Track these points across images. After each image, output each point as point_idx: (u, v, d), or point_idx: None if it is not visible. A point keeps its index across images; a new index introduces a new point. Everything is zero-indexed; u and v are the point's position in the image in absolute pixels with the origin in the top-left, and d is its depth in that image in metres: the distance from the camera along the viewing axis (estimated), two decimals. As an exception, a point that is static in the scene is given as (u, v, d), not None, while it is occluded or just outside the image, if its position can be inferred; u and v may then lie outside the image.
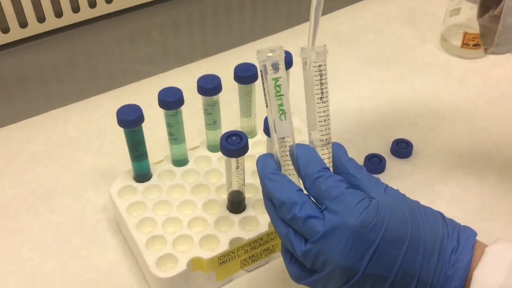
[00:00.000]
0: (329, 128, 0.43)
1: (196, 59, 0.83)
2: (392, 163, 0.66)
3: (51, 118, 0.73)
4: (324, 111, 0.42)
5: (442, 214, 0.42)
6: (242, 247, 0.53)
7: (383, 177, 0.64)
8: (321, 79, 0.42)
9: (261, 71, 0.40)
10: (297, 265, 0.42)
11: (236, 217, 0.54)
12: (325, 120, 0.42)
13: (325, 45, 0.41)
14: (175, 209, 0.56)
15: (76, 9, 0.86)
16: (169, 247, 0.52)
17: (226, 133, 0.50)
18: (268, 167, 0.42)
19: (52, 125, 0.72)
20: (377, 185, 0.41)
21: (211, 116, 0.58)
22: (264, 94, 0.41)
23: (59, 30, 0.86)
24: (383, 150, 0.67)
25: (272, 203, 0.42)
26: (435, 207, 0.60)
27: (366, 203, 0.39)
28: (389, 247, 0.38)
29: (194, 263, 0.51)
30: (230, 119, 0.65)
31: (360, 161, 0.66)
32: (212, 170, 0.59)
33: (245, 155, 0.50)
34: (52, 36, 0.85)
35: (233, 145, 0.49)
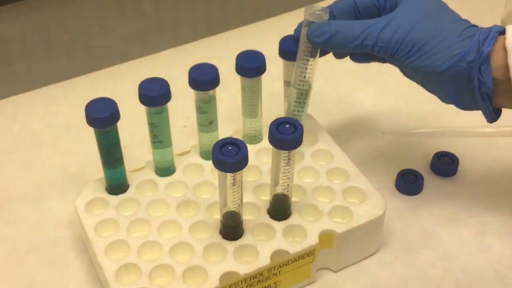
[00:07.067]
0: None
1: (196, 38, 0.81)
2: (431, 182, 0.64)
3: (11, 105, 0.72)
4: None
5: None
6: (236, 284, 0.50)
7: (419, 199, 0.62)
8: None
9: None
10: None
11: (230, 245, 0.52)
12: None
13: (327, 7, 0.53)
14: (154, 231, 0.53)
15: (49, -31, 0.83)
16: (145, 280, 0.50)
17: (220, 141, 0.48)
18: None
19: (12, 115, 0.71)
20: None
21: (206, 116, 0.56)
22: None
23: (28, -4, 0.84)
24: (421, 164, 0.65)
25: None
26: (482, 242, 0.58)
27: None
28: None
29: (174, 301, 0.50)
30: (230, 119, 0.63)
31: (391, 177, 0.64)
32: (203, 183, 0.57)
33: (246, 166, 0.48)
34: (18, 3, 0.83)
35: (229, 156, 0.47)
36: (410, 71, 0.54)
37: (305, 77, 0.54)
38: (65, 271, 0.56)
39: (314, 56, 0.54)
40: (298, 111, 0.56)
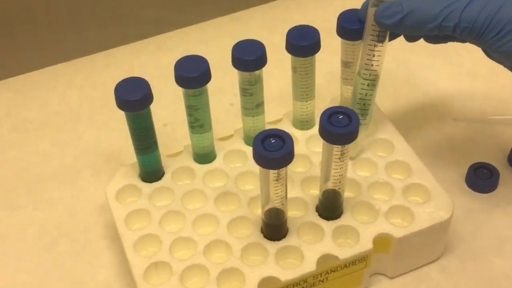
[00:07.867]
0: None
1: (249, 6, 0.76)
2: (508, 178, 0.58)
3: (49, 76, 0.69)
4: None
5: None
6: (277, 291, 0.46)
7: (493, 198, 0.56)
8: None
9: None
10: None
11: (272, 246, 0.48)
12: None
13: None
14: (189, 225, 0.49)
15: None
16: (175, 281, 0.46)
17: (262, 132, 0.42)
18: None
19: (50, 86, 0.68)
20: None
21: (251, 98, 0.51)
22: None
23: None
24: (498, 157, 0.59)
25: None
26: None
27: None
28: None
29: (207, 308, 0.45)
30: (280, 99, 0.58)
31: (461, 171, 0.58)
32: (246, 173, 0.53)
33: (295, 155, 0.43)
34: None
35: (271, 151, 0.41)
36: (499, 56, 0.46)
37: (372, 65, 0.47)
38: (95, 260, 0.53)
39: (382, 41, 0.46)
40: (364, 105, 0.49)
